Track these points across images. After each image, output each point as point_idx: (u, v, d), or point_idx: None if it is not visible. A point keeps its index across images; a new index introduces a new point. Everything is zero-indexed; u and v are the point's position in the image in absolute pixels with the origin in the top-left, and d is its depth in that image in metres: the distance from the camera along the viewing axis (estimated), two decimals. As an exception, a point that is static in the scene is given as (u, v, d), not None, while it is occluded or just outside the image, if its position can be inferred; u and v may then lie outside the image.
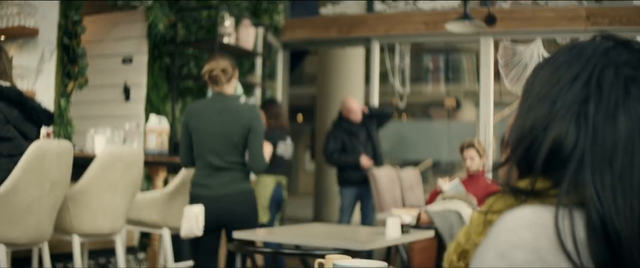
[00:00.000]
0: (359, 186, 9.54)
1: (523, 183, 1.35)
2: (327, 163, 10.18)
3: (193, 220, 5.41)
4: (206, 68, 5.67)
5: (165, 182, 7.72)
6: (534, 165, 1.34)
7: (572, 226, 1.22)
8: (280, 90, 11.37)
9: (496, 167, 1.48)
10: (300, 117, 19.01)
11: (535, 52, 9.51)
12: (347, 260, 2.11)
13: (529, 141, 1.36)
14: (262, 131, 5.76)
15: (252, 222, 5.75)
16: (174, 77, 8.64)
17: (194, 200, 5.60)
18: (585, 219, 1.23)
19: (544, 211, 1.25)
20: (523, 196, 1.33)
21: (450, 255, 1.52)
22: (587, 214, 1.24)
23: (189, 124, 5.66)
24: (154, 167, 7.58)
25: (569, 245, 1.20)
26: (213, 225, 5.60)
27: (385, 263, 2.02)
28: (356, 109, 9.60)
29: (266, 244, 5.95)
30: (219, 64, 5.66)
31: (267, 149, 6.15)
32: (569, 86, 1.35)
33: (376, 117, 9.76)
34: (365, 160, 9.45)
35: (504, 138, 1.53)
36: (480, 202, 7.41)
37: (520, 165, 1.39)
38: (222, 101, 5.70)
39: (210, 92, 6.66)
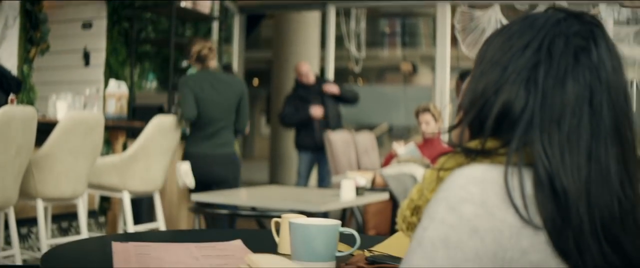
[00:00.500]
0: (315, 151, 9.61)
1: (474, 144, 1.42)
2: (282, 125, 10.24)
3: (183, 175, 6.44)
4: (194, 49, 6.72)
5: (125, 147, 7.76)
6: (484, 126, 1.41)
7: (521, 182, 1.29)
8: (236, 55, 11.38)
9: (450, 129, 1.54)
10: (256, 81, 18.97)
11: (492, 18, 9.56)
12: (302, 218, 2.18)
13: (481, 104, 1.42)
14: (248, 97, 7.11)
15: (237, 180, 7.02)
16: (133, 42, 8.65)
17: (190, 157, 6.76)
18: (533, 176, 1.30)
19: (493, 169, 1.32)
20: (473, 155, 1.40)
21: (403, 210, 1.63)
22: (535, 171, 1.30)
23: (194, 91, 6.68)
24: (113, 131, 7.60)
25: (517, 200, 1.27)
26: (207, 177, 6.82)
27: (339, 222, 2.10)
28: (307, 72, 9.67)
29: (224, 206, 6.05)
30: (205, 44, 6.77)
31: None
32: (521, 53, 1.40)
33: (341, 98, 9.79)
34: (315, 110, 9.56)
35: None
36: (431, 163, 7.52)
37: (472, 126, 1.46)
38: (213, 75, 6.85)
39: (193, 70, 7.55)
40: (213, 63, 6.91)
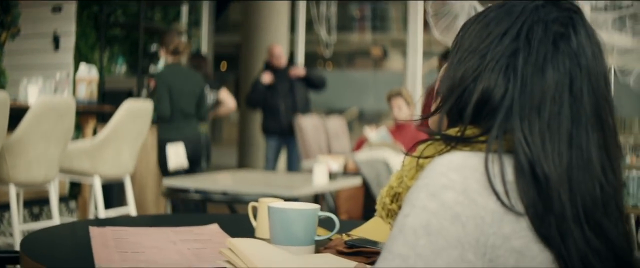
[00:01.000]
0: (281, 135, 9.62)
1: (453, 131, 1.42)
2: (248, 107, 10.21)
3: (176, 154, 7.20)
4: (174, 43, 7.45)
5: (95, 131, 7.73)
6: (464, 114, 1.40)
7: (501, 168, 1.29)
8: (205, 39, 11.35)
9: (427, 117, 1.56)
10: (224, 65, 18.89)
11: (466, 3, 9.56)
12: (280, 202, 2.18)
13: (460, 92, 1.42)
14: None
15: (209, 159, 8.00)
16: (102, 25, 8.61)
17: (170, 141, 7.40)
18: (514, 163, 1.31)
19: (474, 156, 1.32)
20: (454, 142, 1.40)
21: (383, 198, 1.63)
22: (515, 158, 1.31)
23: (169, 85, 7.35)
24: (84, 116, 7.56)
25: (498, 186, 1.27)
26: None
27: (317, 206, 2.10)
28: (280, 54, 9.66)
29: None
30: (182, 40, 7.79)
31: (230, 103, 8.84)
32: (499, 40, 1.40)
33: (308, 81, 9.79)
34: (265, 77, 9.65)
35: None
36: (409, 150, 7.53)
37: (451, 114, 1.45)
38: (183, 69, 7.63)
39: (162, 62, 8.19)
40: (184, 58, 7.70)
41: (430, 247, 1.23)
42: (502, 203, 1.26)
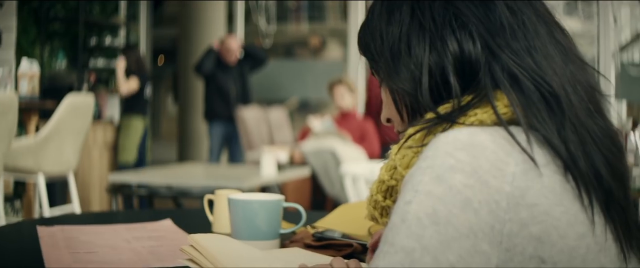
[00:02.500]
0: (227, 122, 9.49)
1: (444, 108, 1.30)
2: (198, 73, 10.01)
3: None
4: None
5: (37, 128, 7.59)
6: (446, 90, 1.31)
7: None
8: (143, 33, 11.20)
9: (382, 122, 1.47)
10: (161, 59, 18.72)
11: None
12: (240, 194, 2.04)
13: (427, 72, 1.32)
14: None
15: None
16: (42, 20, 8.50)
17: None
18: (517, 92, 1.23)
19: (481, 132, 1.20)
20: (455, 116, 1.27)
21: (373, 195, 1.45)
22: (518, 87, 1.23)
23: None
24: (26, 112, 7.42)
25: (524, 143, 1.17)
26: None
27: (282, 196, 1.99)
28: (235, 49, 9.52)
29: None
30: None
31: (133, 85, 8.49)
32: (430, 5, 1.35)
33: (251, 58, 9.69)
34: (216, 42, 9.56)
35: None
36: (355, 139, 7.47)
37: (431, 97, 1.33)
38: None
39: None
40: None
41: (438, 238, 1.09)
42: (528, 155, 1.16)
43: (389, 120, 1.49)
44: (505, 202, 1.13)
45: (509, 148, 1.18)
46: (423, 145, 1.28)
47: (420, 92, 1.34)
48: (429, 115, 1.31)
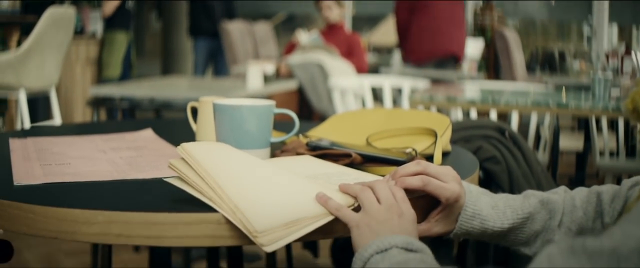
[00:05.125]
0: (212, 38, 9.38)
1: None
2: None
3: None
4: None
5: (19, 44, 7.42)
6: None
7: None
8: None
9: None
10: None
11: None
12: (227, 99, 1.85)
13: None
14: None
15: None
16: None
17: None
18: None
19: None
20: None
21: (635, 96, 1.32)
22: None
23: None
24: (7, 27, 7.29)
25: None
26: None
27: (273, 102, 1.82)
28: None
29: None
30: None
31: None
32: None
33: None
34: None
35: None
36: (343, 53, 7.31)
37: None
38: None
39: None
40: None
41: None
42: None
43: None
44: None
45: None
46: None
47: None
48: None
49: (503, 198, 1.50)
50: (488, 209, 1.46)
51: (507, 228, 1.47)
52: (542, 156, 5.27)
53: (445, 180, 1.42)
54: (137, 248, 5.15)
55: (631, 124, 5.22)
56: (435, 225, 1.46)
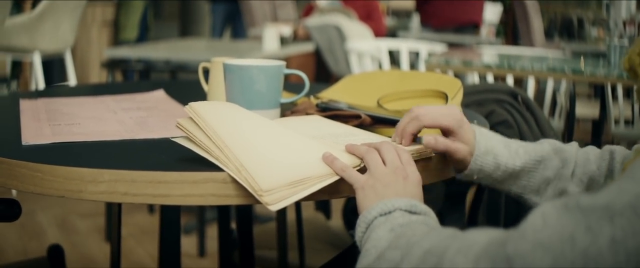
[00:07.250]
0: (230, 0, 9.31)
1: None
2: None
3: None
4: None
5: (34, 5, 7.41)
6: None
7: None
8: None
9: None
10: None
11: None
12: (237, 60, 1.82)
13: None
14: None
15: None
16: None
17: None
18: None
19: None
20: None
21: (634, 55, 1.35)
22: None
23: None
24: (22, -10, 7.29)
25: None
26: None
27: (283, 62, 1.80)
28: None
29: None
30: None
31: None
32: None
33: None
34: None
35: None
36: (361, 17, 7.28)
37: None
38: None
39: None
40: None
41: None
42: None
43: None
44: None
45: None
46: None
47: None
48: None
49: (516, 141, 1.54)
50: (501, 147, 1.50)
51: (519, 167, 1.50)
52: (558, 123, 5.25)
53: (445, 123, 1.48)
54: (151, 210, 5.17)
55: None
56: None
